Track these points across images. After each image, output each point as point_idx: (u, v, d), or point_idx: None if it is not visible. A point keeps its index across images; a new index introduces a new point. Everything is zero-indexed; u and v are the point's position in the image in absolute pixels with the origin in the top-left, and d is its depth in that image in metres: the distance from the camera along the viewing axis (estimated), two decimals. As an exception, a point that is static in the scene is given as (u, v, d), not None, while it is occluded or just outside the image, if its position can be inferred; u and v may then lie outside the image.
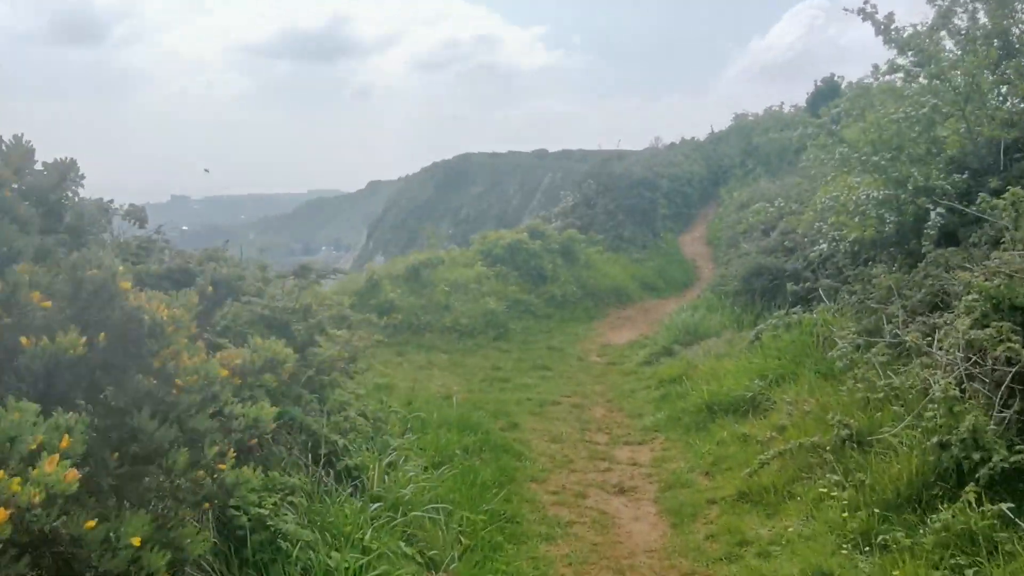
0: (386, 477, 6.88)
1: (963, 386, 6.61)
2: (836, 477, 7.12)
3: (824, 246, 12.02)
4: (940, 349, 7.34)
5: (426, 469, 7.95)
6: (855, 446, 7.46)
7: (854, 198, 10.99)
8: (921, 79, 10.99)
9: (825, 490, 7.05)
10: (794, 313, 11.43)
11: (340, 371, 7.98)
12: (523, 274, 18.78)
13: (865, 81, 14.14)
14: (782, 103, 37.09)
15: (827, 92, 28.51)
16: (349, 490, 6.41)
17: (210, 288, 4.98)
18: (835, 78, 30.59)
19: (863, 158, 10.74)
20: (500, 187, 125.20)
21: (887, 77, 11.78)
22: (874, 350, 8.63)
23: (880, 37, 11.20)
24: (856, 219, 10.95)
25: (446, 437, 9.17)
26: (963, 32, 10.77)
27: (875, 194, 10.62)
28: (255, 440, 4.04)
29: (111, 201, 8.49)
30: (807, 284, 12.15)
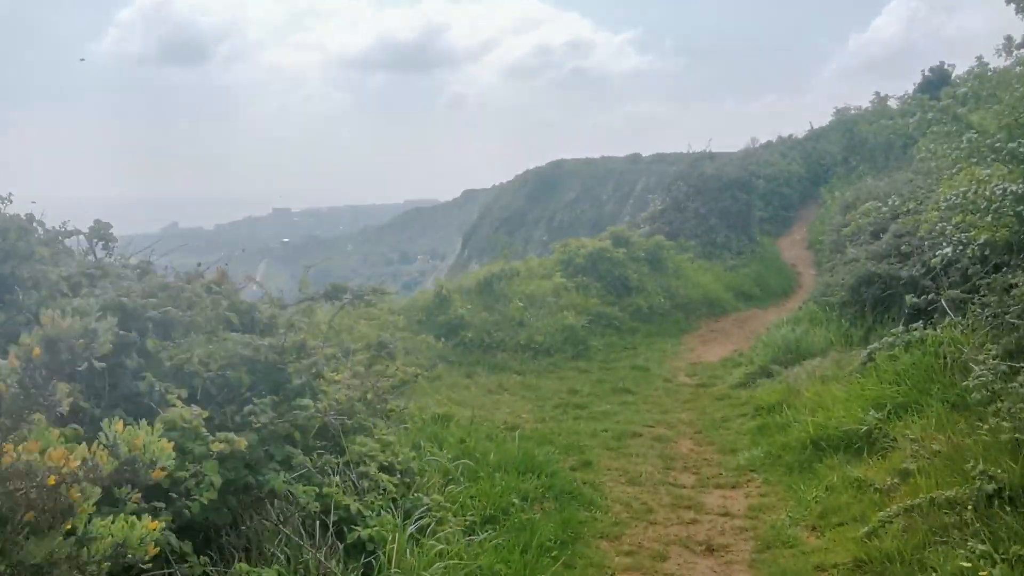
0: (409, 551, 5.51)
1: None
2: (982, 547, 5.55)
3: (948, 250, 10.23)
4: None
5: (471, 530, 6.58)
6: (1007, 505, 5.87)
7: (985, 193, 9.23)
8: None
9: (969, 564, 5.46)
10: (914, 329, 9.69)
11: (370, 413, 6.70)
12: (606, 285, 17.29)
13: (986, 64, 12.31)
14: (887, 95, 34.63)
15: (936, 82, 26.36)
16: (360, 572, 5.09)
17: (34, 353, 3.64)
18: (945, 66, 28.32)
19: (996, 145, 9.02)
20: (593, 193, 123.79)
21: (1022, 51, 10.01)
22: (1022, 378, 6.98)
23: (1012, 5, 9.51)
24: (987, 218, 9.22)
25: (502, 483, 7.77)
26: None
27: (1012, 188, 8.88)
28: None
29: (67, 222, 7.39)
30: (928, 295, 10.42)
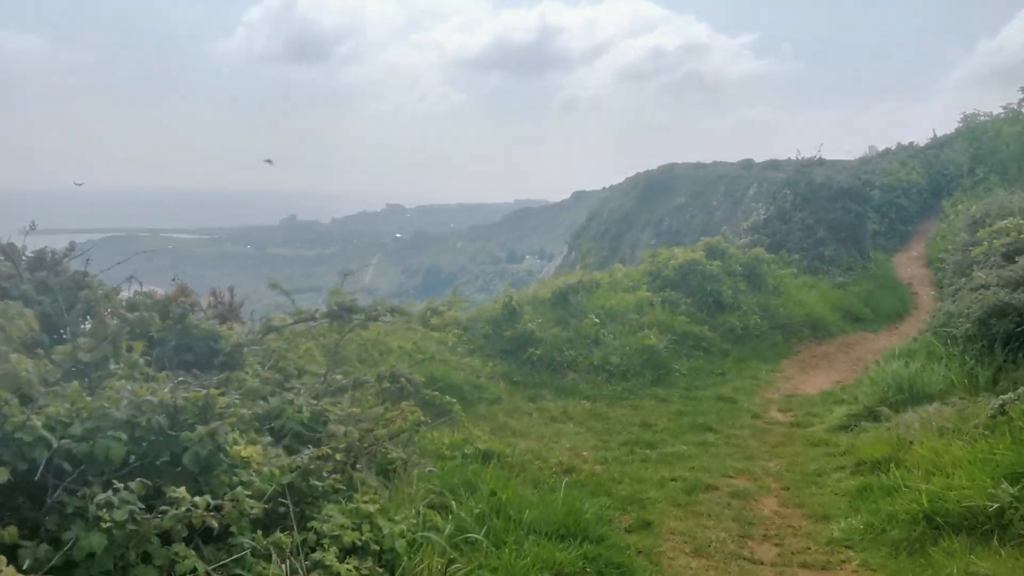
0: None
1: None
2: None
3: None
4: None
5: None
6: None
7: None
8: None
9: None
10: (1059, 377, 7.84)
11: (346, 475, 5.27)
12: (696, 301, 15.54)
13: None
14: (1021, 101, 31.45)
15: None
16: None
17: None
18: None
19: None
20: (703, 198, 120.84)
21: None
22: None
23: None
24: None
25: (533, 552, 6.25)
26: None
27: None
28: None
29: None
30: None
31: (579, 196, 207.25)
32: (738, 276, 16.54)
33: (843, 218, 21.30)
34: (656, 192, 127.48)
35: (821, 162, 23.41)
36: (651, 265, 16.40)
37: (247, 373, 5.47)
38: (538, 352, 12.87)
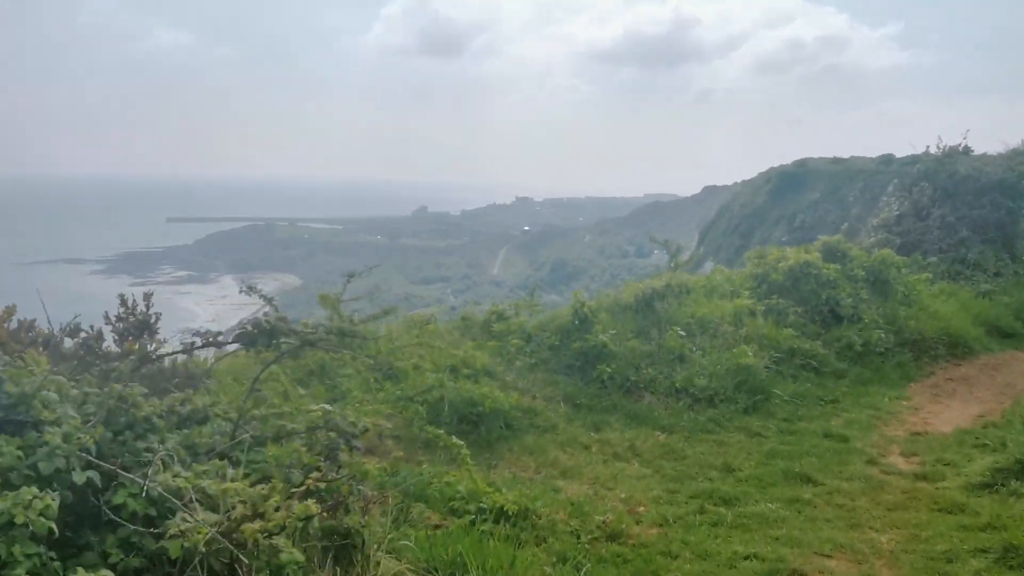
0: None
1: None
2: None
3: None
4: None
5: None
6: None
7: None
8: None
9: None
10: None
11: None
12: (808, 311, 13.09)
13: None
14: None
15: None
16: None
17: None
18: None
19: None
20: (839, 194, 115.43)
21: None
22: None
23: None
24: None
25: None
26: None
27: None
28: None
29: None
30: None
31: (710, 191, 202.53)
32: (860, 282, 13.94)
33: (991, 215, 18.29)
34: (789, 187, 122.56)
35: (967, 152, 20.30)
36: (757, 267, 14.03)
37: (59, 429, 3.65)
38: (610, 369, 10.76)
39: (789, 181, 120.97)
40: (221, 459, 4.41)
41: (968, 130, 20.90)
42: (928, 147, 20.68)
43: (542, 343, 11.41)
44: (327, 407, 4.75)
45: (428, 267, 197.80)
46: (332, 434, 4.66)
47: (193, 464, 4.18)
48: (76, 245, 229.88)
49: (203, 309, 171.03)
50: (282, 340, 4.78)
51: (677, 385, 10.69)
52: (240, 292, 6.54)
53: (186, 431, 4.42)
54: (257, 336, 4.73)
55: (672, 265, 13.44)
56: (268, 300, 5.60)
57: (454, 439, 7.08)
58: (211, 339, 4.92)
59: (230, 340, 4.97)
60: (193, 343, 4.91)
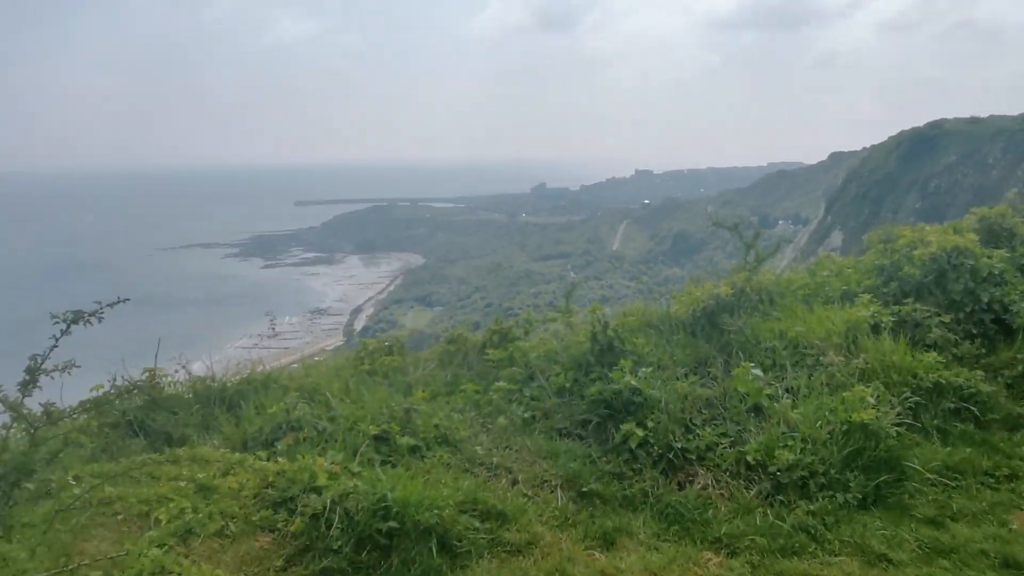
0: None
1: None
2: None
3: None
4: None
5: None
6: None
7: None
8: None
9: None
10: None
11: None
12: (961, 321, 8.53)
13: None
14: None
15: None
16: None
17: None
18: None
19: None
20: (977, 156, 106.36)
21: None
22: None
23: None
24: None
25: None
26: None
27: None
28: None
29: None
30: None
31: (836, 157, 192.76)
32: (1039, 275, 9.39)
33: None
34: (922, 151, 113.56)
35: None
36: (881, 255, 9.59)
37: None
38: (641, 431, 6.68)
39: (922, 144, 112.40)
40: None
41: None
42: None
43: (547, 386, 7.42)
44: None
45: (548, 244, 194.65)
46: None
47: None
48: (211, 231, 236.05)
49: (331, 290, 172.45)
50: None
51: (749, 458, 6.51)
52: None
53: None
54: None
55: (750, 259, 8.94)
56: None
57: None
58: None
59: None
60: None
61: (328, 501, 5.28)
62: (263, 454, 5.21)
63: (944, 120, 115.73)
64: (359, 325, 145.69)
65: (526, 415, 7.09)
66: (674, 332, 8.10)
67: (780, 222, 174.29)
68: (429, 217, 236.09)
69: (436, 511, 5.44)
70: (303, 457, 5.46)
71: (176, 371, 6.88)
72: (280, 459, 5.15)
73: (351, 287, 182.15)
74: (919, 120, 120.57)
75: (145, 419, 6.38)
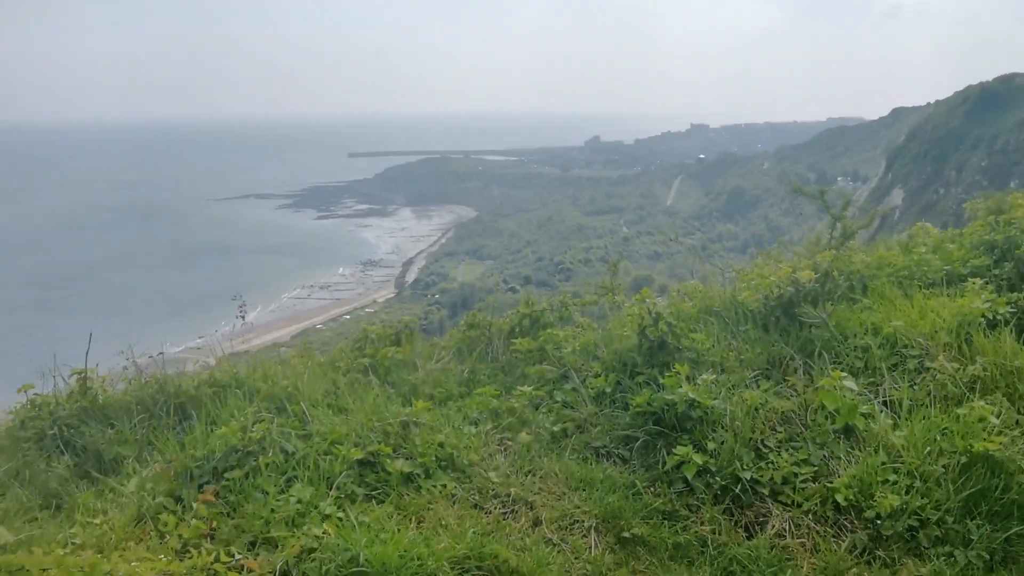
0: None
1: None
2: None
3: None
4: None
5: None
6: None
7: None
8: None
9: None
10: None
11: None
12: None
13: None
14: None
15: None
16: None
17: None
18: None
19: None
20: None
21: None
22: None
23: None
24: None
25: None
26: None
27: None
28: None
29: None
30: None
31: (898, 113, 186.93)
32: None
33: None
34: (990, 107, 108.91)
35: None
36: (991, 230, 7.94)
37: None
38: (700, 457, 5.20)
39: (991, 99, 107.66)
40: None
41: None
42: None
43: (583, 387, 5.99)
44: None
45: (601, 198, 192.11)
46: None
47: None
48: (265, 181, 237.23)
49: (383, 242, 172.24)
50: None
51: (840, 497, 5.03)
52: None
53: None
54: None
55: (836, 233, 7.24)
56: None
57: None
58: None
59: None
60: None
61: (280, 565, 3.92)
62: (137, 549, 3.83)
63: (1015, 75, 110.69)
64: (411, 277, 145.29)
65: (555, 428, 5.65)
66: (740, 322, 6.57)
67: (839, 179, 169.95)
68: (482, 170, 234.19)
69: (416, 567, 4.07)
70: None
71: (125, 367, 5.54)
72: (163, 556, 3.75)
73: (403, 239, 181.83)
74: (987, 75, 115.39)
75: (74, 433, 5.07)
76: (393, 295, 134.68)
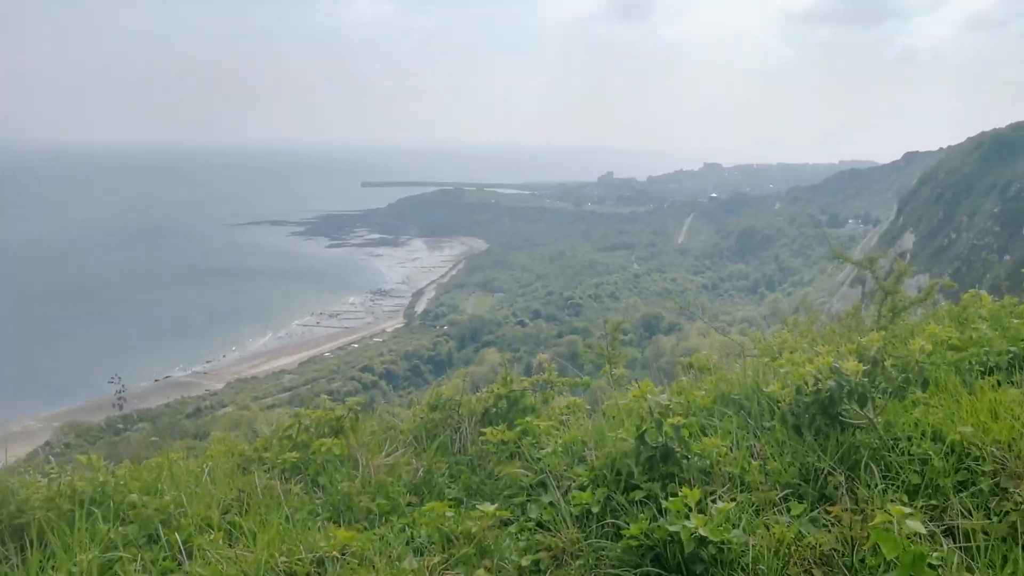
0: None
1: None
2: None
3: None
4: None
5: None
6: None
7: None
8: None
9: None
10: None
11: None
12: None
13: None
14: None
15: None
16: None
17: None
18: None
19: None
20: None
21: None
22: None
23: None
24: None
25: None
26: None
27: None
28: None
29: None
30: None
31: (911, 157, 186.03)
32: None
33: None
34: (1004, 153, 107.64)
35: None
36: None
37: None
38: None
39: (1004, 146, 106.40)
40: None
41: None
42: None
43: (565, 503, 4.63)
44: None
45: (612, 234, 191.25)
46: None
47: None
48: (278, 208, 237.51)
49: (394, 271, 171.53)
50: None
51: None
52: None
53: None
54: None
55: (884, 310, 5.82)
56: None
57: None
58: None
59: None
60: None
61: None
62: None
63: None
64: (420, 308, 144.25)
65: (524, 561, 4.29)
66: (765, 416, 5.22)
67: (850, 221, 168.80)
68: (495, 202, 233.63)
69: None
70: None
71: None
72: None
73: (414, 269, 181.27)
74: (1000, 122, 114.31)
75: None
76: (402, 325, 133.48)
